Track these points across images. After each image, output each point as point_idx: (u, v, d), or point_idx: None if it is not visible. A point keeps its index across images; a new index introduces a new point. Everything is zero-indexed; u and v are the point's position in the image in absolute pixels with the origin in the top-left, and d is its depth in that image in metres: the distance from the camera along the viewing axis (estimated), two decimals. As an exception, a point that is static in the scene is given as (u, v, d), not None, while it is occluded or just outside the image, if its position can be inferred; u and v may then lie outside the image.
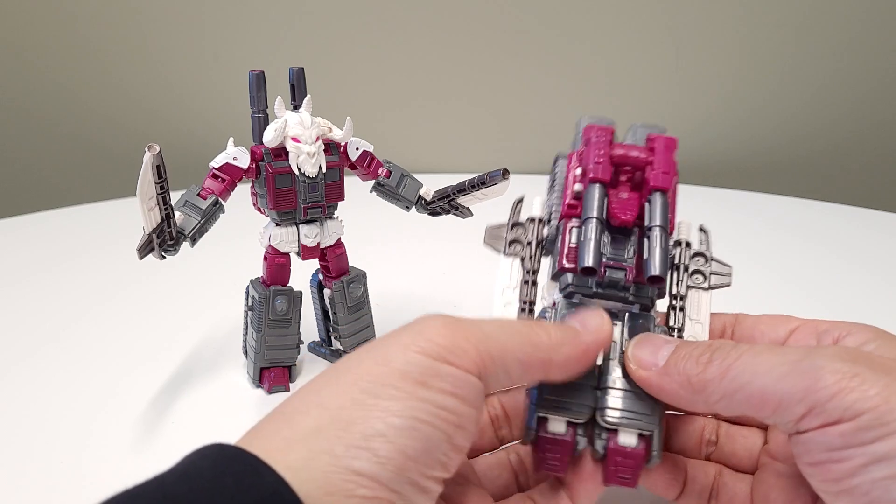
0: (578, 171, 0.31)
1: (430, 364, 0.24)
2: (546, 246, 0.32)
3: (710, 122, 1.00)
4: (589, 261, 0.27)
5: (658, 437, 0.27)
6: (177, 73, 1.01)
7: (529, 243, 0.32)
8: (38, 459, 0.40)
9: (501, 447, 0.32)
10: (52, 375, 0.49)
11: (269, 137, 0.41)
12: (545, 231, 0.32)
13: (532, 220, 0.32)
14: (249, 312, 0.46)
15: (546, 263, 0.32)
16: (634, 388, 0.28)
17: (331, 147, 0.43)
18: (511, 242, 0.32)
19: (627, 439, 0.27)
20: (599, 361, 0.28)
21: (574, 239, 0.29)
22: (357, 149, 0.45)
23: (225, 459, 0.22)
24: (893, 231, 0.79)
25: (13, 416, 0.45)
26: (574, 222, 0.30)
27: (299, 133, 0.41)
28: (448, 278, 0.65)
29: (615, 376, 0.28)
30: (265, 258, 0.45)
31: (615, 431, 0.28)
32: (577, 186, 0.30)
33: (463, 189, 0.45)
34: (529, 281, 0.31)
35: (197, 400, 0.46)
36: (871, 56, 0.95)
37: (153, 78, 1.01)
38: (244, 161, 0.42)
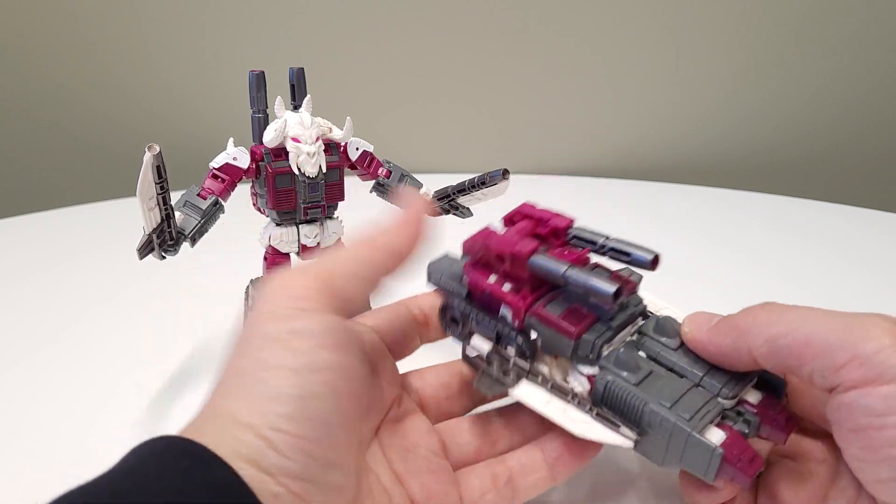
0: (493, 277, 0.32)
1: (287, 313, 0.25)
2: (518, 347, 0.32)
3: (710, 122, 1.00)
4: (611, 287, 0.28)
5: None
6: (177, 73, 1.01)
7: (515, 366, 0.31)
8: (38, 459, 0.40)
9: (466, 414, 0.33)
10: (52, 375, 0.49)
11: (269, 137, 0.41)
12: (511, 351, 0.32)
13: (492, 356, 0.32)
14: (249, 313, 0.46)
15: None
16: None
17: (331, 147, 0.43)
18: (505, 374, 0.31)
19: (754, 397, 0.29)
20: None
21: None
22: (357, 149, 0.45)
23: (171, 454, 0.22)
24: (893, 231, 0.79)
25: (13, 416, 0.45)
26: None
27: (299, 133, 0.41)
28: (448, 278, 0.65)
29: None
30: (265, 258, 0.45)
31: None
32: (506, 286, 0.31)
33: (463, 189, 0.45)
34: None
35: (197, 400, 0.46)
36: (871, 56, 0.95)
37: (153, 78, 1.01)
38: (244, 161, 0.42)
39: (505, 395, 0.31)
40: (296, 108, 0.43)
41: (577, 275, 0.28)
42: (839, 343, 0.23)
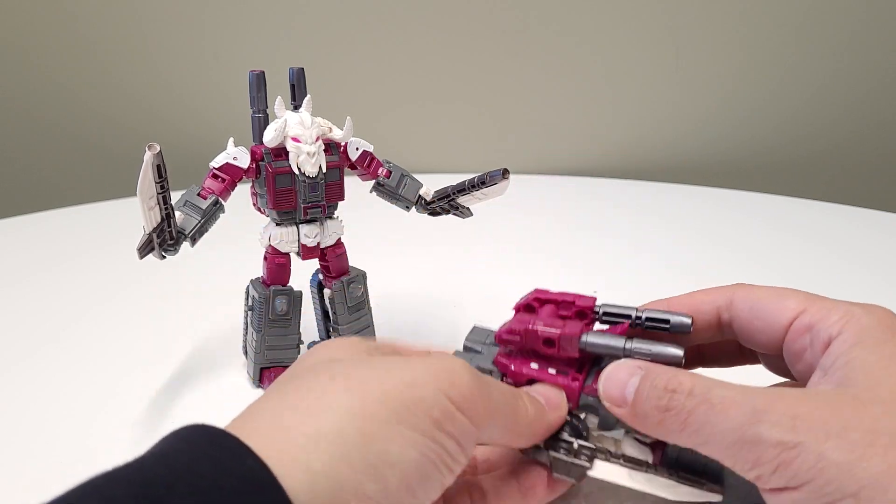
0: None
1: (450, 409, 0.24)
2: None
3: (710, 122, 1.00)
4: (679, 350, 0.28)
5: None
6: (177, 73, 1.01)
7: (580, 447, 0.30)
8: (38, 459, 0.40)
9: None
10: (52, 375, 0.49)
11: (269, 137, 0.41)
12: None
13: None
14: (249, 312, 0.46)
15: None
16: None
17: (331, 147, 0.43)
18: (576, 456, 0.30)
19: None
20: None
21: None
22: (357, 149, 0.45)
23: (204, 442, 0.22)
24: (893, 231, 0.79)
25: (13, 416, 0.45)
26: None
27: (299, 133, 0.41)
28: (448, 278, 0.65)
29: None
30: (265, 258, 0.45)
31: None
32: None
33: (463, 189, 0.45)
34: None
35: (197, 400, 0.46)
36: (871, 56, 0.95)
37: (153, 78, 1.01)
38: (244, 161, 0.42)
39: (584, 475, 0.30)
40: (296, 108, 0.43)
41: (641, 346, 0.28)
42: (743, 465, 0.24)
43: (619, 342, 0.29)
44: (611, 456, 0.30)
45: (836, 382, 0.25)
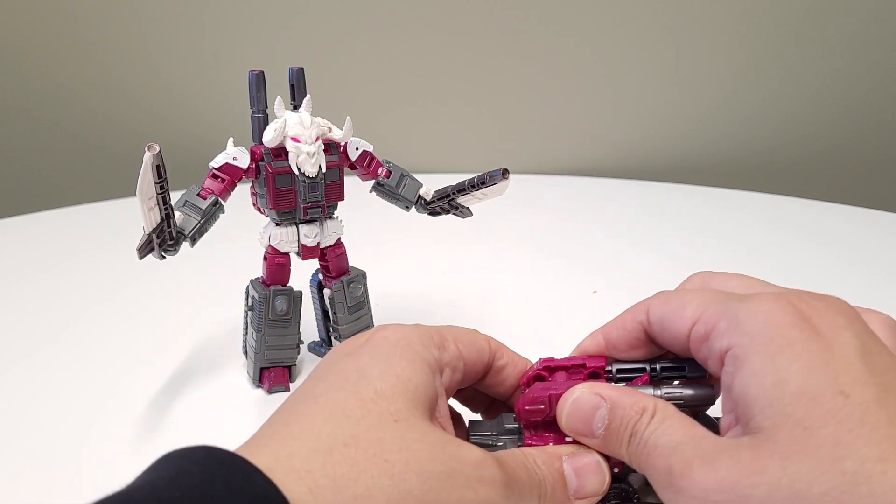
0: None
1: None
2: None
3: (710, 122, 1.00)
4: (712, 390, 0.28)
5: None
6: (177, 73, 1.01)
7: None
8: (38, 459, 0.40)
9: None
10: (52, 375, 0.49)
11: (269, 137, 0.41)
12: None
13: None
14: (249, 312, 0.46)
15: None
16: None
17: (331, 147, 0.43)
18: None
19: None
20: None
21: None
22: (357, 149, 0.45)
23: (214, 463, 0.22)
24: (893, 231, 0.79)
25: (13, 416, 0.45)
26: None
27: (299, 133, 0.41)
28: (448, 278, 0.65)
29: None
30: (265, 258, 0.45)
31: None
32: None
33: (463, 189, 0.45)
34: None
35: (197, 400, 0.46)
36: (871, 56, 0.95)
37: (153, 78, 1.01)
38: (244, 161, 0.42)
39: None
40: (296, 108, 0.43)
41: (674, 391, 0.28)
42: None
43: (649, 391, 0.28)
44: None
45: (737, 419, 0.24)
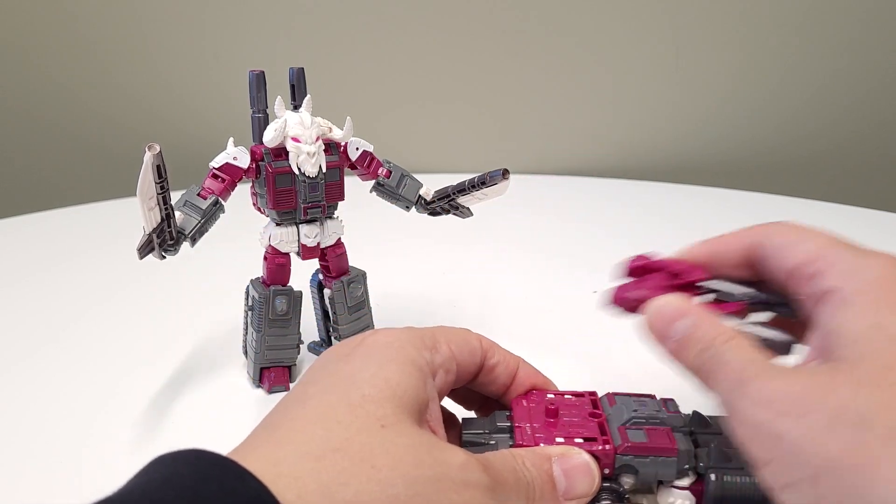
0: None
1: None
2: None
3: (710, 122, 1.00)
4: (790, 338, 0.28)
5: None
6: (177, 73, 1.01)
7: None
8: (38, 459, 0.40)
9: None
10: (52, 375, 0.49)
11: (269, 137, 0.41)
12: None
13: None
14: (249, 312, 0.46)
15: None
16: None
17: (331, 147, 0.43)
18: None
19: None
20: None
21: None
22: (357, 149, 0.45)
23: (206, 465, 0.22)
24: (893, 231, 0.79)
25: (13, 416, 0.45)
26: None
27: (299, 133, 0.41)
28: (448, 278, 0.65)
29: None
30: (265, 258, 0.45)
31: None
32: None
33: (463, 189, 0.45)
34: None
35: (197, 400, 0.46)
36: (871, 56, 0.95)
37: (153, 78, 1.01)
38: (244, 161, 0.42)
39: None
40: (296, 108, 0.43)
41: (756, 330, 0.28)
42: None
43: (734, 322, 0.28)
44: None
45: (821, 350, 0.25)
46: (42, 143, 1.09)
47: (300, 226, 0.44)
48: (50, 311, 0.60)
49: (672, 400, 0.32)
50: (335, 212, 0.46)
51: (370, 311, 0.49)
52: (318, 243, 0.45)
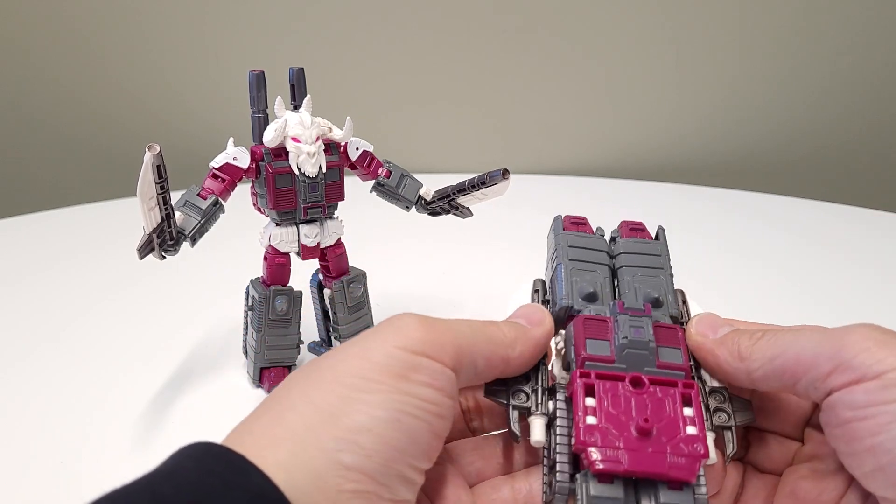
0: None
1: (409, 358, 0.25)
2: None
3: (710, 122, 1.00)
4: None
5: None
6: (177, 73, 1.01)
7: (535, 390, 0.29)
8: (38, 459, 0.40)
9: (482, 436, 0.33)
10: (51, 375, 0.49)
11: (269, 137, 0.41)
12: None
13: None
14: (249, 312, 0.46)
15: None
16: None
17: (331, 147, 0.43)
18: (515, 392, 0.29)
19: None
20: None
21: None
22: (357, 149, 0.45)
23: (210, 458, 0.22)
24: (893, 231, 0.79)
25: (12, 416, 0.45)
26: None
27: (299, 133, 0.41)
28: (448, 278, 0.65)
29: None
30: (265, 258, 0.45)
31: None
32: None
33: (463, 189, 0.45)
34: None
35: (197, 400, 0.46)
36: (871, 56, 0.95)
37: (153, 78, 1.01)
38: (244, 161, 0.42)
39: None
40: (296, 108, 0.43)
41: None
42: (825, 355, 0.25)
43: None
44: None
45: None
46: (42, 143, 1.09)
47: (300, 226, 0.44)
48: (50, 311, 0.60)
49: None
50: (335, 212, 0.46)
51: (370, 311, 0.49)
52: (318, 243, 0.45)
